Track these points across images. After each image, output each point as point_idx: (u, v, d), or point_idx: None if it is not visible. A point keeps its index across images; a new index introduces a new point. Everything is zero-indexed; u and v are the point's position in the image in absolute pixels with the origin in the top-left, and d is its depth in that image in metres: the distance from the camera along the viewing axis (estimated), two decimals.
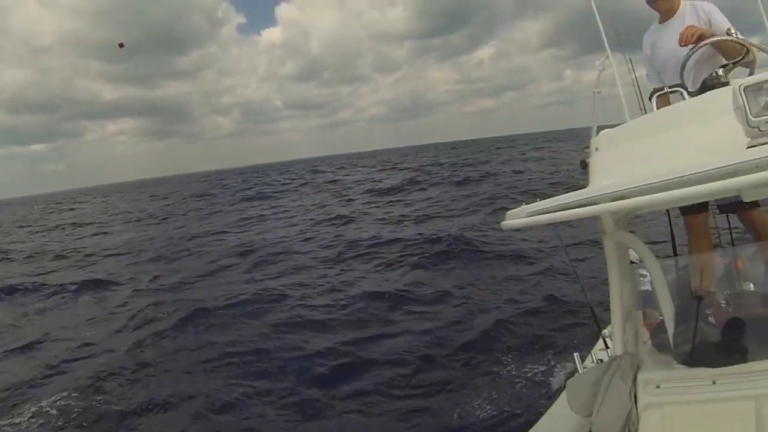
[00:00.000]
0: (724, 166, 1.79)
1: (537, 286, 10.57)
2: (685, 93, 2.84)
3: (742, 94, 2.03)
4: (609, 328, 4.13)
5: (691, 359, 2.70)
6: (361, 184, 40.27)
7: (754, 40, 3.21)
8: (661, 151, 2.34)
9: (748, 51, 3.05)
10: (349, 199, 31.15)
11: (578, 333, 7.64)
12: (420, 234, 16.61)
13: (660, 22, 4.23)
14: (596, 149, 2.65)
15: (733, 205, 4.16)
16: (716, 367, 2.59)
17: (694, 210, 4.17)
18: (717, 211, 4.46)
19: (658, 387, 2.71)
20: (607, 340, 4.14)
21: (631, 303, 3.10)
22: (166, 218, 34.52)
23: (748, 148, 1.98)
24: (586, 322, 7.41)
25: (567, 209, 2.09)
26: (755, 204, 4.10)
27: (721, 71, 2.72)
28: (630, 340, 2.97)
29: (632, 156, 2.45)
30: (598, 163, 2.63)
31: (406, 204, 25.65)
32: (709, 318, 2.85)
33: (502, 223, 2.26)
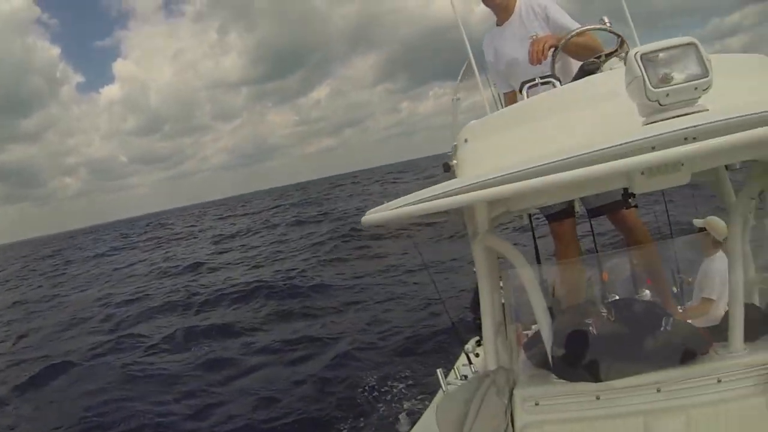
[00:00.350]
0: (616, 146, 1.51)
1: (391, 312, 10.38)
2: (557, 83, 2.53)
3: (640, 62, 1.61)
4: (471, 342, 4.02)
5: (572, 374, 2.29)
6: (207, 232, 39.08)
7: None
8: (541, 137, 2.03)
9: (623, 42, 2.73)
10: (198, 247, 30.55)
11: (440, 350, 7.35)
12: (268, 274, 16.47)
13: (498, 24, 3.66)
14: (465, 141, 2.28)
15: (603, 208, 3.53)
16: (599, 381, 2.21)
17: (560, 216, 3.51)
18: (587, 215, 3.81)
19: (536, 404, 2.29)
20: (470, 355, 3.84)
21: (503, 314, 2.68)
22: (21, 282, 32.24)
23: (645, 125, 1.68)
24: (448, 339, 7.06)
25: (432, 200, 1.72)
26: (629, 205, 3.29)
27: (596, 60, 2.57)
28: (504, 353, 2.52)
29: (506, 145, 2.12)
30: (467, 154, 2.25)
31: (252, 247, 25.29)
32: (591, 329, 2.38)
33: (363, 218, 1.87)
